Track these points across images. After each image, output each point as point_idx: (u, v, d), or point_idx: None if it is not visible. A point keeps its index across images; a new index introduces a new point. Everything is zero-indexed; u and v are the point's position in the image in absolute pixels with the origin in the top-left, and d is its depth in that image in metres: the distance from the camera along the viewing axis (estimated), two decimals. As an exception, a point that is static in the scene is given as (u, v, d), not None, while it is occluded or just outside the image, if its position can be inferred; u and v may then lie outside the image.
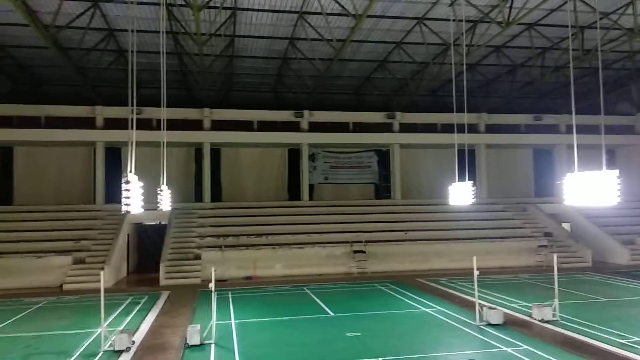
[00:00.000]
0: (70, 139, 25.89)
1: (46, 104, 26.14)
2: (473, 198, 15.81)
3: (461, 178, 16.24)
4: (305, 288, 18.87)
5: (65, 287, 19.64)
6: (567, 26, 19.73)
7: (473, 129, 29.17)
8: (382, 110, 29.68)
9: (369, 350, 10.56)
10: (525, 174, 31.94)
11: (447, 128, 26.48)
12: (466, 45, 19.72)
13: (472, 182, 15.97)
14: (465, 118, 16.87)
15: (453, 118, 17.52)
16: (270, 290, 18.89)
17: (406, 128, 29.62)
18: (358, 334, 11.87)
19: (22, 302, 16.97)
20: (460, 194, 16.03)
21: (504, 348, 10.49)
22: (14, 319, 14.27)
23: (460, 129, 16.87)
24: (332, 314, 14.37)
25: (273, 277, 21.86)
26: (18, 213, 24.39)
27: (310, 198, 28.73)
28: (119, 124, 24.73)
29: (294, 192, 29.04)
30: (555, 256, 14.13)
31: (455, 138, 16.53)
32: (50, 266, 20.47)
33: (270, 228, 24.42)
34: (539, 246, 24.33)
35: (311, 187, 29.12)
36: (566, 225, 28.17)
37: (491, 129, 30.31)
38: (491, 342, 11.01)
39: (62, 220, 23.82)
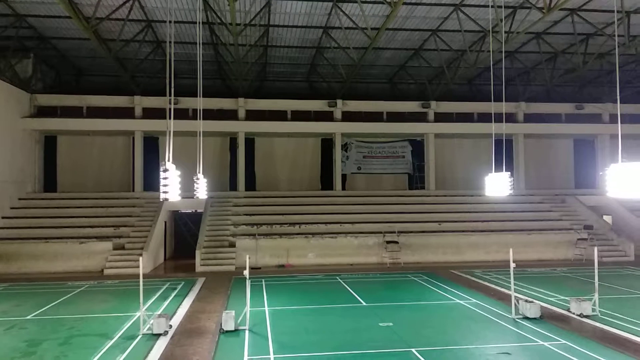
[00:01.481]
0: (110, 129, 26.63)
1: (88, 94, 27.00)
2: (510, 189, 15.46)
3: (498, 169, 15.90)
4: (337, 277, 18.95)
5: (106, 271, 20.35)
6: (612, 11, 18.99)
7: (511, 118, 28.49)
8: (416, 99, 29.30)
9: (402, 340, 10.54)
10: (565, 164, 30.99)
11: (484, 117, 25.96)
12: (505, 32, 19.17)
13: (509, 172, 15.60)
14: (503, 107, 16.49)
15: (490, 107, 17.13)
16: (303, 278, 19.05)
17: (441, 117, 29.18)
18: (390, 324, 11.86)
19: (66, 285, 17.69)
20: (497, 184, 15.68)
21: (541, 342, 10.28)
22: (58, 301, 14.90)
23: (498, 118, 16.47)
24: (364, 303, 14.39)
25: (306, 265, 22.06)
26: (62, 200, 25.33)
27: (343, 188, 28.73)
28: (157, 113, 25.33)
29: (326, 182, 29.07)
30: (595, 249, 13.70)
31: (493, 127, 16.15)
32: (92, 251, 21.23)
33: (303, 217, 24.59)
34: (579, 239, 23.63)
35: (344, 177, 29.11)
36: (608, 218, 27.25)
37: (530, 118, 29.54)
38: (527, 335, 10.81)
39: (103, 207, 24.62)
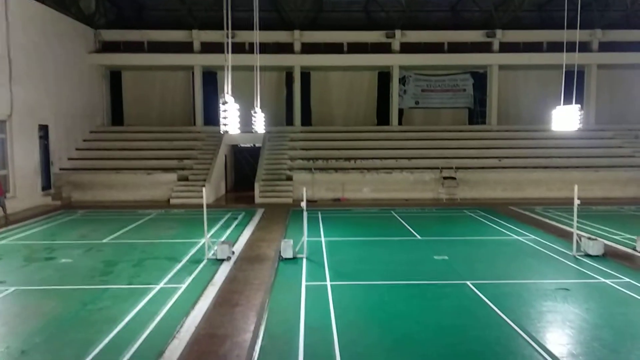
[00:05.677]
0: (170, 64, 27.17)
1: (148, 29, 27.40)
2: (579, 123, 14.64)
3: (567, 102, 15.01)
4: (392, 212, 19.09)
5: (172, 201, 21.51)
6: None
7: (584, 47, 26.42)
8: (481, 28, 27.66)
9: (456, 273, 10.63)
10: (642, 98, 28.75)
11: (554, 47, 24.27)
12: (584, -50, 17.40)
13: (579, 105, 14.72)
14: (577, 34, 15.27)
15: (562, 35, 15.94)
16: (358, 212, 19.34)
17: (507, 47, 27.51)
18: (445, 257, 11.93)
19: (136, 213, 18.92)
20: (565, 118, 14.88)
21: (602, 279, 10.06)
22: (130, 227, 16.02)
23: (570, 47, 15.36)
24: (419, 237, 14.50)
25: (361, 200, 22.31)
26: (128, 133, 26.58)
27: (400, 123, 28.23)
28: (215, 47, 25.43)
29: (383, 117, 28.63)
30: (670, 188, 12.93)
31: (564, 57, 15.11)
32: (158, 182, 22.42)
33: (359, 152, 24.57)
34: (652, 178, 22.33)
35: (401, 111, 28.52)
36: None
37: (606, 47, 27.28)
38: (588, 272, 10.60)
39: (167, 140, 25.63)
